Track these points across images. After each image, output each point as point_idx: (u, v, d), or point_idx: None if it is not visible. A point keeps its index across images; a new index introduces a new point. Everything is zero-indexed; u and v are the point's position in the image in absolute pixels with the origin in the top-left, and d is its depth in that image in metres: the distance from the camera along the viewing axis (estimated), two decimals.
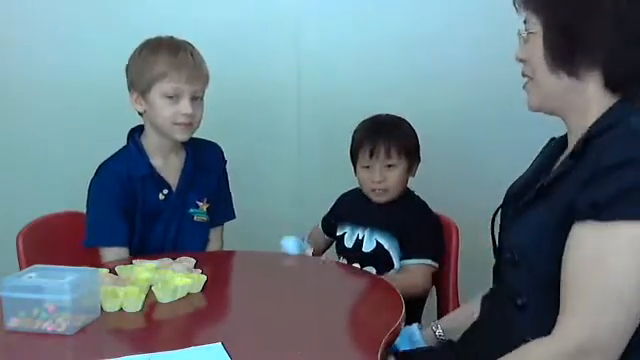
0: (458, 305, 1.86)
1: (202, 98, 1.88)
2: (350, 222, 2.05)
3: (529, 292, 1.27)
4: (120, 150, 1.92)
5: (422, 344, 1.56)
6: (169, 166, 1.92)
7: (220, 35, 2.48)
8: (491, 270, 1.47)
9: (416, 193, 2.05)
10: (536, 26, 1.28)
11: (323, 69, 2.57)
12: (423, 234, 1.96)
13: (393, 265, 1.95)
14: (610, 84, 1.26)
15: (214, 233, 2.02)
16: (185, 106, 1.82)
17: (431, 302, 1.98)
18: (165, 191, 1.90)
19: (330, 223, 2.15)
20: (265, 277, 1.74)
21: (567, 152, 1.32)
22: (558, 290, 1.19)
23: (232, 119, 2.51)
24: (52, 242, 1.86)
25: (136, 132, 1.93)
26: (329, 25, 2.57)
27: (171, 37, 1.88)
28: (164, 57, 1.82)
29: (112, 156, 1.91)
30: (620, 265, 1.13)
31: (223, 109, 2.44)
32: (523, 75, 1.34)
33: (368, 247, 1.98)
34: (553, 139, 1.45)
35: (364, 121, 2.05)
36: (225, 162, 2.04)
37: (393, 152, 1.97)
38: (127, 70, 1.88)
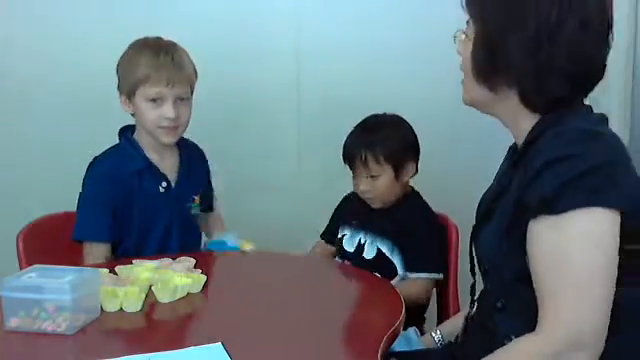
0: (458, 306, 1.86)
1: (189, 99, 1.88)
2: (351, 225, 2.03)
3: (505, 294, 1.29)
4: (112, 147, 1.92)
5: (419, 347, 1.57)
6: (165, 161, 1.93)
7: (220, 35, 2.48)
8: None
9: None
10: (471, 32, 1.30)
11: (323, 69, 2.57)
12: (427, 244, 1.93)
13: (396, 272, 1.93)
14: (527, 106, 1.28)
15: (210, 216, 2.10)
16: (168, 110, 1.83)
17: (431, 303, 1.98)
18: (164, 184, 1.91)
19: (333, 231, 2.11)
20: (265, 277, 1.75)
21: (514, 157, 1.36)
22: (530, 287, 1.20)
23: (231, 119, 2.51)
24: (52, 242, 1.86)
25: (128, 130, 1.94)
26: (329, 25, 2.57)
27: (157, 38, 1.88)
28: (146, 60, 1.83)
29: (103, 153, 1.91)
30: (582, 253, 1.15)
31: (223, 109, 2.44)
32: (461, 68, 1.35)
33: (369, 254, 1.96)
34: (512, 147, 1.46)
35: (356, 125, 2.02)
36: (207, 160, 2.08)
37: (372, 163, 1.93)
38: (117, 71, 1.89)
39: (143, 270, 1.57)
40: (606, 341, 1.15)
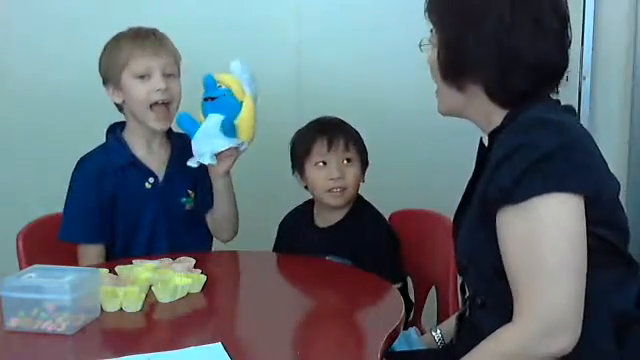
0: (458, 305, 1.86)
1: (176, 76, 1.86)
2: (300, 252, 1.88)
3: (484, 290, 1.31)
4: (99, 146, 1.91)
5: (420, 347, 1.57)
6: (154, 156, 1.90)
7: (220, 35, 2.48)
8: None
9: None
10: (434, 39, 1.35)
11: (323, 69, 2.57)
12: (383, 258, 1.84)
13: None
14: (495, 102, 1.32)
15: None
16: (157, 81, 1.80)
17: (432, 303, 1.98)
18: (151, 180, 1.87)
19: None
20: (265, 277, 1.75)
21: (482, 154, 1.40)
22: (506, 280, 1.22)
23: None
24: (52, 242, 1.86)
25: (117, 127, 1.92)
26: (329, 25, 2.57)
27: (135, 27, 1.87)
28: (127, 42, 1.83)
29: (89, 152, 1.90)
30: (548, 238, 1.17)
31: None
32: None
33: None
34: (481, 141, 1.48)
35: (308, 123, 1.97)
36: None
37: (351, 145, 1.89)
38: (99, 67, 1.88)
39: (143, 270, 1.57)
40: None
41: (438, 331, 1.61)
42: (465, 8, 1.30)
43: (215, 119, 1.73)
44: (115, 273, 1.59)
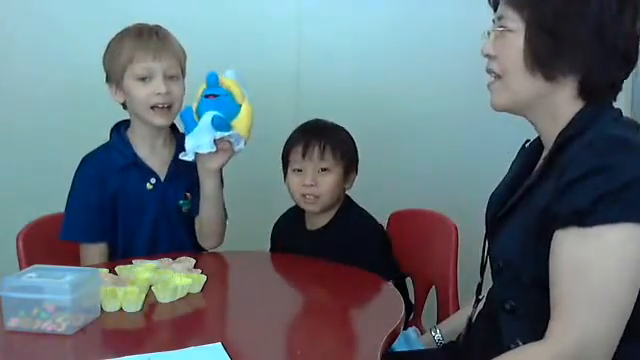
0: (458, 305, 1.86)
1: (179, 78, 1.85)
2: (289, 252, 1.91)
3: (517, 296, 1.27)
4: (102, 145, 1.91)
5: (419, 347, 1.56)
6: (156, 156, 1.89)
7: (220, 35, 2.48)
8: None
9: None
10: (516, 23, 1.27)
11: (323, 69, 2.57)
12: (373, 256, 1.84)
13: None
14: (584, 92, 1.27)
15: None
16: (158, 85, 1.79)
17: (432, 304, 1.98)
18: (153, 180, 1.87)
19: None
20: (265, 277, 1.75)
21: (544, 156, 1.32)
22: (545, 293, 1.19)
23: None
24: (52, 242, 1.86)
25: (122, 125, 1.91)
26: (329, 24, 2.57)
27: (138, 24, 1.86)
28: (129, 42, 1.81)
29: (92, 151, 1.90)
30: (606, 269, 1.14)
31: None
32: (488, 72, 1.32)
33: None
34: (528, 141, 1.44)
35: (303, 124, 1.97)
36: None
37: (327, 154, 1.87)
38: (103, 64, 1.87)
39: (143, 270, 1.57)
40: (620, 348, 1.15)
41: (438, 331, 1.60)
42: None
43: (214, 114, 1.73)
44: (115, 273, 1.59)
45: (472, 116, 2.50)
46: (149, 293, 1.49)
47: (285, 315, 1.46)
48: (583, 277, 1.14)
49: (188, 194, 1.91)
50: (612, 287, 1.14)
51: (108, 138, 1.92)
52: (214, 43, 2.43)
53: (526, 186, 1.29)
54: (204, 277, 1.57)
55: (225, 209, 1.94)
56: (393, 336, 1.34)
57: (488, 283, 1.47)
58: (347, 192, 2.00)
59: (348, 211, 1.96)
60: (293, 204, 2.02)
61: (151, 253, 1.80)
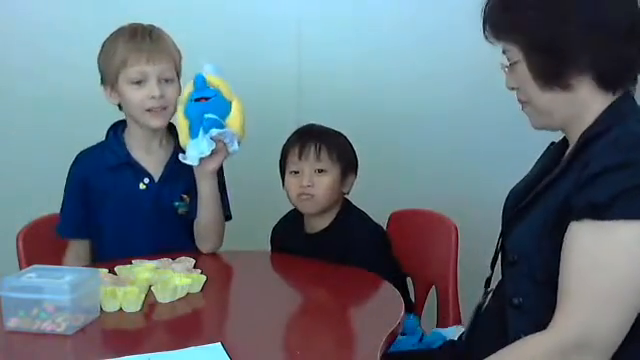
0: (458, 305, 1.86)
1: (174, 80, 1.83)
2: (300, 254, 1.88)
3: (526, 292, 1.28)
4: (98, 143, 1.91)
5: (419, 332, 1.58)
6: (152, 156, 1.88)
7: (220, 35, 2.48)
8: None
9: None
10: (516, 54, 1.31)
11: (323, 69, 2.56)
12: (373, 258, 1.83)
13: None
14: (603, 83, 1.28)
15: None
16: (152, 88, 1.77)
17: (432, 303, 1.98)
18: (146, 180, 1.85)
19: None
20: (265, 277, 1.75)
21: (568, 152, 1.34)
22: (554, 290, 1.20)
23: None
24: (52, 242, 1.86)
25: (119, 125, 1.91)
26: (330, 25, 2.57)
27: (133, 23, 1.85)
28: (123, 44, 1.79)
29: (87, 148, 1.90)
30: (617, 264, 1.14)
31: None
32: (519, 101, 1.36)
33: None
34: (553, 143, 1.46)
35: (301, 127, 1.98)
36: None
37: (324, 154, 1.88)
38: (98, 65, 1.86)
39: (143, 270, 1.57)
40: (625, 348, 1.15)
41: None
42: (549, 4, 1.27)
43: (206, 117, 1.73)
44: (115, 273, 1.59)
45: (472, 117, 2.51)
46: (149, 293, 1.49)
47: (285, 315, 1.46)
48: (592, 273, 1.15)
49: (185, 196, 1.89)
50: (620, 286, 1.14)
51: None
52: (214, 43, 2.43)
53: (548, 180, 1.30)
54: (204, 277, 1.57)
55: (229, 210, 1.94)
56: (393, 336, 1.34)
57: (495, 280, 1.47)
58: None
59: (348, 214, 1.96)
60: None
61: (147, 253, 1.78)
